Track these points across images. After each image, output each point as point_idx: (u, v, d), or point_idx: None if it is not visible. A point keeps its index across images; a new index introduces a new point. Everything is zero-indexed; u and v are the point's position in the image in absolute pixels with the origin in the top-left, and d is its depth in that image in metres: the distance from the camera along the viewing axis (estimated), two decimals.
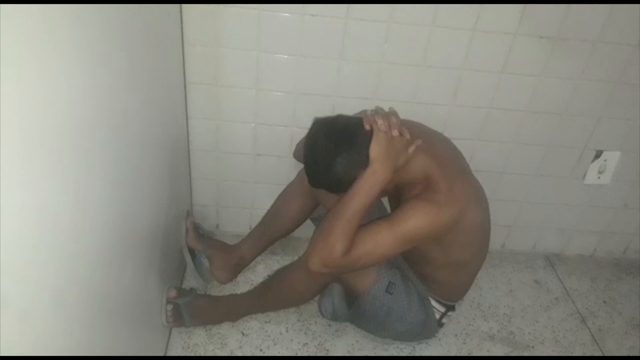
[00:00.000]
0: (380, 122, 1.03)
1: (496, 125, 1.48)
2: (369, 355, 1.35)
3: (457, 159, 1.20)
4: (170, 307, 1.23)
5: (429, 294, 1.25)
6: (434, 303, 1.26)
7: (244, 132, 1.47)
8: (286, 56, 1.33)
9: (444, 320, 1.30)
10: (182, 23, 1.26)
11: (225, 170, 1.56)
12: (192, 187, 1.59)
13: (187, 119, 1.43)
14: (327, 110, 1.41)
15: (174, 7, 1.20)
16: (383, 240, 1.03)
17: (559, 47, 1.34)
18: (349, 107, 1.30)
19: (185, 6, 1.24)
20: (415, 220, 1.04)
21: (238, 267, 1.45)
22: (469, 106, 1.44)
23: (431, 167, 1.08)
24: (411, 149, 1.06)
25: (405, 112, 1.29)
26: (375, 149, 1.02)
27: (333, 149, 1.04)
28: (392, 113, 1.10)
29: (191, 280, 1.48)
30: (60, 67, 0.64)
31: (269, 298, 1.27)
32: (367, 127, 1.04)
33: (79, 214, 0.75)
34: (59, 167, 0.66)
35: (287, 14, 1.26)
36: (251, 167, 1.55)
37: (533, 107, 1.46)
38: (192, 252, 1.44)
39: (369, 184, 1.02)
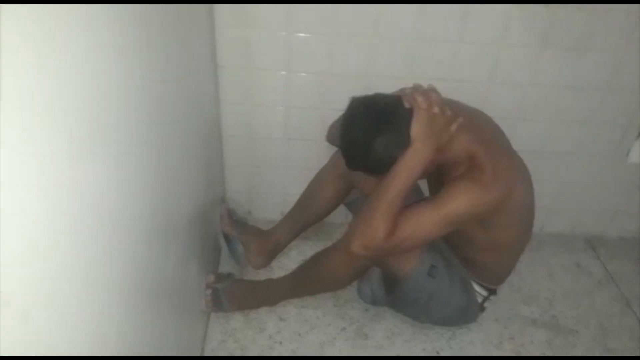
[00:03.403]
0: (420, 99, 1.00)
1: (535, 102, 1.43)
2: (407, 340, 1.33)
3: (500, 136, 1.15)
4: (209, 292, 1.22)
5: (471, 278, 1.22)
6: (476, 287, 1.23)
7: (275, 116, 1.45)
8: (318, 36, 1.30)
9: (485, 304, 1.27)
10: (211, 6, 1.24)
11: (256, 155, 1.55)
12: (225, 173, 1.58)
13: (218, 105, 1.42)
14: (359, 91, 1.36)
15: None
16: (427, 222, 1.01)
17: (601, 18, 1.28)
18: (383, 87, 1.25)
19: None
20: (461, 202, 1.00)
21: (273, 253, 1.44)
22: (507, 83, 1.39)
23: (474, 146, 1.05)
24: (453, 127, 1.03)
25: (442, 90, 1.26)
26: (417, 128, 0.99)
27: (373, 129, 1.00)
28: (432, 90, 1.06)
29: (227, 266, 1.48)
30: (103, 55, 0.63)
31: (307, 282, 1.26)
32: (407, 105, 1.01)
33: (128, 199, 0.74)
34: (107, 153, 0.66)
35: None
36: (283, 152, 1.53)
37: (574, 83, 1.40)
38: (227, 237, 1.44)
39: (411, 164, 0.99)
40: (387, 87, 1.27)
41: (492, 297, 1.26)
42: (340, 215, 1.49)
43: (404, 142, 0.99)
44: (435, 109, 1.00)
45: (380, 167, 1.02)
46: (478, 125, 1.11)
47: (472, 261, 1.19)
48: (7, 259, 0.45)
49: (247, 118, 1.45)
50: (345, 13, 1.26)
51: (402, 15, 1.27)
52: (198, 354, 1.23)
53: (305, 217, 1.41)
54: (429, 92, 1.03)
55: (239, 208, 1.66)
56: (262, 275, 1.46)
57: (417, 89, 1.06)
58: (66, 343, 0.57)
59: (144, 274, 0.85)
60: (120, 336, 0.75)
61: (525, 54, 1.34)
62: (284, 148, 1.52)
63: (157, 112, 0.88)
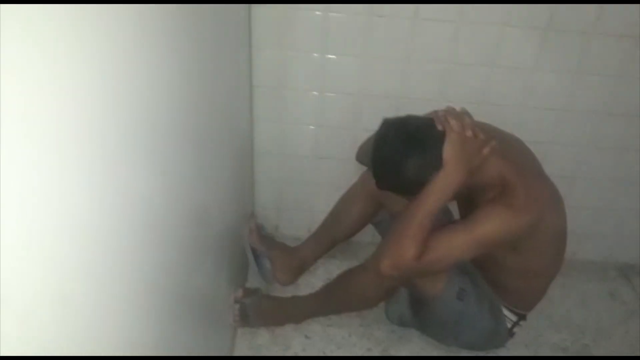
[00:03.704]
0: (453, 122, 1.00)
1: (569, 127, 1.42)
2: None
3: (532, 161, 1.15)
4: (237, 306, 1.24)
5: (500, 302, 1.20)
6: (505, 312, 1.21)
7: (306, 135, 1.48)
8: (351, 58, 1.32)
9: (515, 329, 1.24)
10: (250, 28, 1.28)
11: (286, 172, 1.57)
12: (255, 188, 1.61)
13: (252, 122, 1.45)
14: (390, 112, 1.37)
15: (243, 14, 1.22)
16: (458, 244, 1.00)
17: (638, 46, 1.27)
18: (414, 109, 1.26)
19: (253, 12, 1.25)
20: (492, 225, 1.00)
21: (299, 270, 1.45)
22: (540, 108, 1.38)
23: (507, 170, 1.04)
24: (486, 151, 1.03)
25: (475, 114, 1.26)
26: (449, 151, 0.99)
27: (404, 150, 1.01)
28: (465, 113, 1.06)
29: (254, 281, 1.49)
30: (143, 70, 0.66)
31: (334, 301, 1.26)
32: (440, 127, 1.02)
33: (162, 208, 0.77)
34: (147, 164, 0.69)
35: (353, 15, 1.26)
36: (312, 170, 1.55)
37: (609, 109, 1.38)
38: (254, 253, 1.45)
39: (443, 186, 0.99)
40: (419, 109, 1.28)
41: (521, 323, 1.24)
42: (368, 235, 1.49)
43: (436, 164, 1.00)
44: (468, 132, 1.00)
45: (410, 188, 1.03)
46: (510, 148, 1.11)
47: (502, 285, 1.18)
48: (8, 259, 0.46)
49: (279, 135, 1.48)
50: (378, 35, 1.28)
51: (435, 39, 1.28)
52: None
53: (332, 235, 1.42)
54: (462, 115, 1.04)
55: (267, 223, 1.68)
56: (288, 292, 1.46)
57: (450, 111, 1.06)
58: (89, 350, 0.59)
59: (174, 284, 0.87)
60: (146, 344, 0.76)
61: (559, 79, 1.33)
62: (313, 166, 1.54)
63: (195, 126, 0.91)
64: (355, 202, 1.38)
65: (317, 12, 1.26)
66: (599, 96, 1.36)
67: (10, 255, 0.43)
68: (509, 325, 1.22)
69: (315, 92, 1.39)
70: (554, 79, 1.33)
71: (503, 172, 1.04)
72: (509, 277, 1.15)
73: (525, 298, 1.20)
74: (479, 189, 1.08)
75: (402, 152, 1.01)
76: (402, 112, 1.13)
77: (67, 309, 0.53)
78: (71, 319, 0.53)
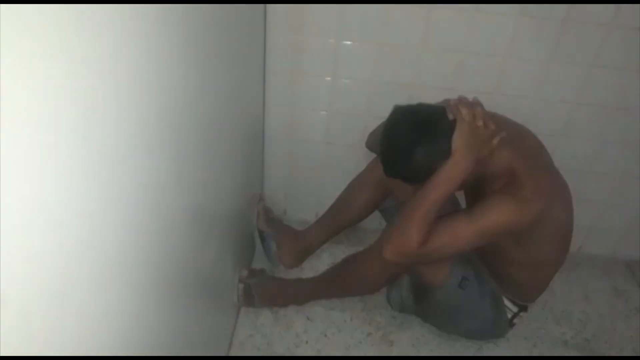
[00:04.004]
0: (464, 111, 1.00)
1: (582, 120, 1.41)
2: (433, 350, 1.33)
3: (542, 153, 1.14)
4: (242, 286, 1.26)
5: (502, 293, 1.21)
6: (507, 302, 1.22)
7: (317, 120, 1.48)
8: (366, 44, 1.32)
9: (515, 320, 1.25)
10: (265, 13, 1.28)
11: (296, 157, 1.58)
12: (265, 171, 1.62)
13: (264, 107, 1.45)
14: (403, 100, 1.38)
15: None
16: (462, 233, 1.01)
17: None
18: (428, 98, 1.24)
19: None
20: (498, 215, 1.00)
21: (304, 253, 1.47)
22: (554, 100, 1.37)
23: (515, 161, 1.04)
24: (495, 141, 1.02)
25: (487, 104, 1.25)
26: (458, 140, 0.99)
27: (414, 138, 1.02)
28: (477, 103, 1.06)
29: (260, 263, 1.52)
30: (162, 57, 0.68)
31: (337, 284, 1.28)
32: (451, 116, 1.02)
33: (170, 191, 0.79)
34: (162, 146, 0.71)
35: (367, 2, 1.25)
36: (322, 156, 1.56)
37: (623, 104, 1.37)
38: (261, 235, 1.47)
39: (451, 175, 1.00)
40: (431, 97, 1.28)
41: (522, 314, 1.25)
42: (374, 222, 1.50)
43: (445, 152, 1.00)
44: (479, 122, 1.00)
45: (418, 176, 1.03)
46: (520, 140, 1.11)
47: (505, 276, 1.18)
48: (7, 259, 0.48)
49: (290, 120, 1.49)
50: (394, 22, 1.27)
51: (450, 27, 1.27)
52: (226, 346, 1.27)
53: (339, 220, 1.43)
54: (473, 105, 1.03)
55: (275, 207, 1.69)
56: (293, 275, 1.48)
57: (462, 100, 1.06)
58: (98, 322, 0.61)
59: (179, 263, 0.89)
60: (151, 323, 0.79)
61: (573, 71, 1.32)
62: (323, 151, 1.55)
63: (207, 111, 0.93)
64: (363, 189, 1.39)
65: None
66: (613, 90, 1.35)
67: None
68: (510, 316, 1.23)
69: (328, 78, 1.39)
70: (567, 71, 1.32)
71: (511, 163, 1.04)
72: (512, 269, 1.15)
73: (527, 290, 1.21)
74: (487, 179, 1.09)
75: (411, 139, 1.02)
76: (415, 101, 1.13)
77: (71, 295, 0.55)
78: (75, 301, 0.55)
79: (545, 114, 1.39)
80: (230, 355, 1.27)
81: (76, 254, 0.54)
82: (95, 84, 0.51)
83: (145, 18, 0.60)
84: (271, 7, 1.27)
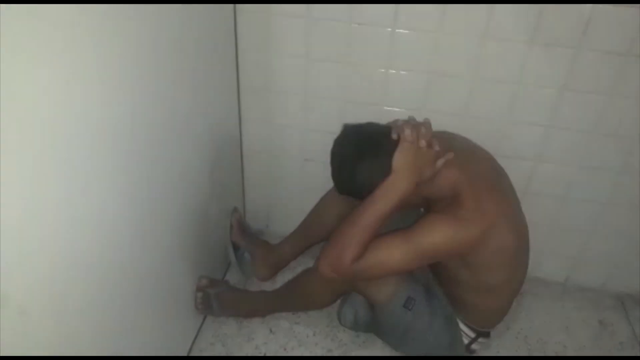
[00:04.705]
0: (407, 131, 1.01)
1: (558, 145, 1.37)
2: None
3: (496, 177, 1.13)
4: (200, 294, 1.30)
5: (457, 316, 1.19)
6: (462, 326, 1.19)
7: (293, 137, 1.52)
8: (333, 64, 1.35)
9: (474, 346, 1.22)
10: (236, 32, 1.34)
11: (275, 172, 1.62)
12: (245, 186, 1.67)
13: (240, 122, 1.51)
14: (374, 119, 1.40)
15: (228, 17, 1.28)
16: (396, 252, 1.01)
17: (629, 64, 1.21)
18: (396, 117, 1.28)
19: (239, 15, 1.31)
20: (433, 236, 1.00)
21: (277, 266, 1.49)
22: (525, 123, 1.35)
23: (461, 183, 1.04)
24: (440, 163, 1.03)
25: (456, 126, 1.27)
26: (399, 159, 1.01)
27: (356, 156, 1.04)
28: (424, 124, 1.07)
29: (234, 274, 1.55)
30: (126, 73, 0.81)
31: (289, 299, 1.30)
32: (394, 136, 1.03)
33: (135, 203, 0.92)
34: (131, 160, 0.85)
35: (333, 22, 1.28)
36: (299, 172, 1.59)
37: (601, 129, 1.33)
38: (235, 247, 1.51)
39: (387, 193, 1.00)
40: (399, 117, 1.30)
41: (482, 340, 1.22)
42: None
43: (385, 170, 1.01)
44: (422, 143, 1.01)
45: (361, 193, 1.05)
46: (473, 163, 1.10)
47: (458, 299, 1.16)
48: (7, 259, 0.56)
49: (267, 137, 1.53)
50: (360, 44, 1.30)
51: (418, 47, 1.28)
52: (185, 352, 1.30)
53: (309, 235, 1.45)
54: (418, 125, 1.04)
55: (257, 221, 1.74)
56: (266, 287, 1.51)
57: (408, 121, 1.08)
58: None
59: (145, 273, 1.00)
60: (109, 329, 0.89)
61: (544, 94, 1.30)
62: (300, 168, 1.58)
63: (174, 125, 1.04)
64: (333, 204, 1.41)
65: (300, 19, 1.29)
66: (588, 115, 1.31)
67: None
68: (466, 342, 1.20)
69: (299, 96, 1.43)
70: (538, 94, 1.30)
71: (457, 185, 1.04)
72: (463, 291, 1.14)
73: (481, 315, 1.18)
74: (434, 200, 1.09)
75: (354, 156, 1.04)
76: (386, 120, 1.15)
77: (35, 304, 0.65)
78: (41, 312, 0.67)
79: (517, 137, 1.37)
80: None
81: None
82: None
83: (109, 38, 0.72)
84: (240, 24, 1.33)
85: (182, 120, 1.08)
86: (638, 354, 1.42)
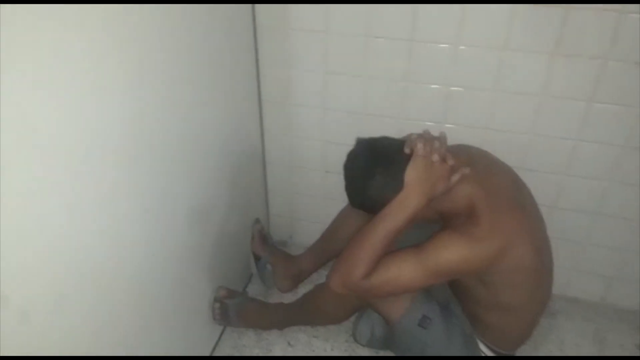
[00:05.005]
0: (420, 145, 1.00)
1: (587, 158, 1.31)
2: None
3: (516, 192, 1.09)
4: (217, 305, 1.31)
5: (477, 336, 1.15)
6: (482, 347, 1.15)
7: (313, 150, 1.52)
8: (352, 77, 1.35)
9: None
10: (256, 47, 1.36)
11: (298, 184, 1.62)
12: (269, 197, 1.69)
13: (262, 134, 1.53)
14: (391, 132, 1.39)
15: (248, 32, 1.31)
16: (407, 269, 0.99)
17: None
18: (416, 130, 1.27)
19: (258, 31, 1.33)
20: (444, 253, 0.97)
21: (298, 278, 1.50)
22: (553, 136, 1.30)
23: (478, 199, 1.01)
24: (454, 178, 1.00)
25: (478, 139, 1.24)
26: (411, 174, 0.99)
27: (369, 170, 1.03)
28: (438, 137, 1.05)
29: (256, 285, 1.56)
30: (152, 87, 0.89)
31: (304, 313, 1.30)
32: (407, 150, 1.02)
33: (165, 211, 1.01)
34: (152, 167, 0.93)
35: (351, 36, 1.28)
36: (321, 183, 1.59)
37: (632, 142, 1.26)
38: (256, 258, 1.53)
39: (398, 208, 0.99)
40: (420, 130, 1.28)
41: None
42: None
43: (398, 185, 1.00)
44: (435, 157, 0.99)
45: (374, 207, 1.04)
46: (491, 178, 1.06)
47: (476, 318, 1.12)
48: (8, 260, 0.61)
49: (289, 148, 1.55)
50: (378, 56, 1.29)
51: (433, 61, 1.26)
52: None
53: (328, 248, 1.45)
54: (431, 139, 1.03)
55: (281, 232, 1.75)
56: (287, 298, 1.52)
57: (422, 135, 1.06)
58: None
59: (163, 283, 1.06)
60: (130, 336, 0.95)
61: (571, 106, 1.24)
62: (322, 179, 1.58)
63: (197, 137, 1.11)
64: (351, 217, 1.39)
65: (319, 33, 1.30)
66: (619, 127, 1.24)
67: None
68: None
69: (319, 109, 1.43)
70: (564, 106, 1.25)
71: (473, 201, 1.01)
72: (481, 310, 1.10)
73: (501, 336, 1.13)
74: (450, 215, 1.06)
75: (366, 171, 1.03)
76: (403, 133, 1.13)
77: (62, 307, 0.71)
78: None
79: (544, 151, 1.32)
80: None
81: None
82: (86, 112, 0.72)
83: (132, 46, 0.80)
84: (261, 39, 1.35)
85: (203, 130, 1.13)
86: None
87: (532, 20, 1.15)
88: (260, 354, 1.36)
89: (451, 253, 0.97)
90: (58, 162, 0.68)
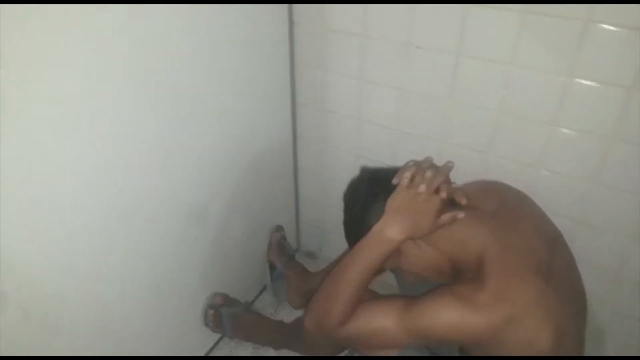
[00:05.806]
0: (406, 174, 0.84)
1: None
2: None
3: (547, 257, 0.86)
4: (211, 311, 1.25)
5: None
6: None
7: (346, 160, 1.40)
8: (389, 89, 1.20)
9: None
10: (292, 47, 1.27)
11: (330, 194, 1.51)
12: (299, 204, 1.60)
13: (294, 138, 1.44)
14: (430, 154, 1.23)
15: (284, 32, 1.22)
16: (388, 325, 0.84)
17: None
18: (458, 157, 1.08)
19: (295, 30, 1.24)
20: (434, 317, 0.81)
21: (309, 296, 1.39)
22: (611, 187, 1.05)
23: (488, 253, 0.83)
24: (445, 218, 0.83)
25: (527, 178, 1.07)
26: (391, 203, 0.85)
27: (368, 199, 0.91)
28: (436, 168, 0.87)
29: (268, 297, 1.48)
30: (183, 87, 0.94)
31: (295, 341, 1.19)
32: (395, 180, 0.86)
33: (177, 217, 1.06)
34: (175, 164, 0.99)
35: (391, 43, 1.14)
36: None
37: None
38: (271, 267, 1.45)
39: (372, 242, 0.85)
40: (462, 156, 1.13)
41: None
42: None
43: (380, 214, 0.86)
44: (421, 188, 0.83)
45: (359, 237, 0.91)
46: (514, 231, 0.87)
47: None
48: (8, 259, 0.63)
49: (321, 157, 1.44)
50: (419, 69, 1.14)
51: (484, 81, 1.08)
52: None
53: None
54: (423, 169, 0.86)
55: (311, 242, 1.66)
56: (298, 315, 1.42)
57: (417, 163, 0.89)
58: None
59: (167, 286, 1.10)
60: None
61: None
62: None
63: (226, 140, 1.14)
64: None
65: (356, 37, 1.17)
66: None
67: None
68: None
69: (353, 119, 1.31)
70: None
71: (482, 252, 0.83)
72: None
73: None
74: (459, 267, 0.89)
75: (366, 200, 0.92)
76: (445, 158, 0.96)
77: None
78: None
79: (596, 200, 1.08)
80: None
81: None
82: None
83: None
84: (297, 39, 1.25)
85: (229, 128, 1.12)
86: None
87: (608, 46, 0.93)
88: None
89: (442, 318, 0.80)
90: (65, 165, 0.74)
